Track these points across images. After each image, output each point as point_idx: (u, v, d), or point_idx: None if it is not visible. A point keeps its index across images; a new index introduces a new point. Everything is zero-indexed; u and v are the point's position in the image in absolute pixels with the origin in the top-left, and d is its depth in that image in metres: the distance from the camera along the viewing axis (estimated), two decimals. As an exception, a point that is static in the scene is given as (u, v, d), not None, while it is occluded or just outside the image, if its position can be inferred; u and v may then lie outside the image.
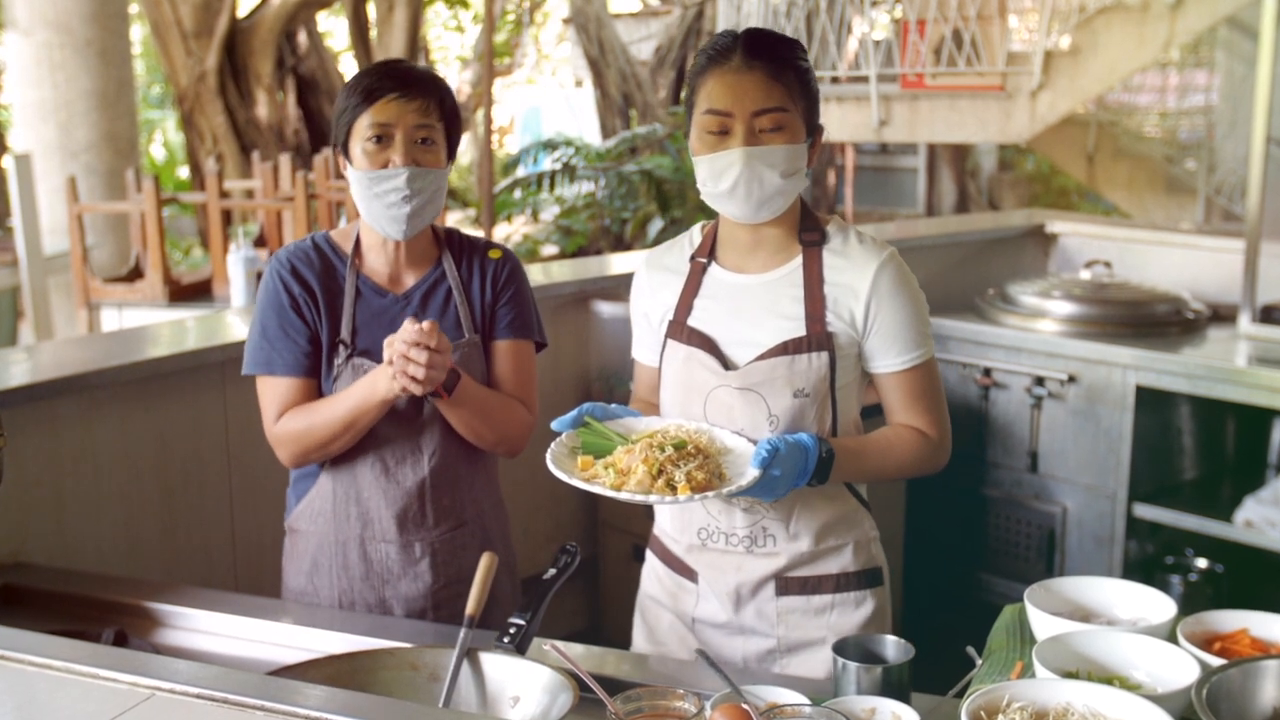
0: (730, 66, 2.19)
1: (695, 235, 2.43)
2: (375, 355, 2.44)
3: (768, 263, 2.32)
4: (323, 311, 2.49)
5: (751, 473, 2.08)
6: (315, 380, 2.49)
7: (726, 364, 2.28)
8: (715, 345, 2.30)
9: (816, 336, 2.24)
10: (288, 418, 2.47)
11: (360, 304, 2.50)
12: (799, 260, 2.30)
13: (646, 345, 2.47)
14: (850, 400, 2.32)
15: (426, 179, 2.41)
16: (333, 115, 2.47)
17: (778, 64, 2.19)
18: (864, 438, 2.32)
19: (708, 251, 2.38)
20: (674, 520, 2.43)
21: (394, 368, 2.29)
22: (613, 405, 2.27)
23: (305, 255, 2.52)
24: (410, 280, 2.54)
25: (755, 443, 2.14)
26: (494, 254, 2.59)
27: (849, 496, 2.37)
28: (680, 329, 2.34)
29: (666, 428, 2.21)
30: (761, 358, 2.25)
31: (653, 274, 2.44)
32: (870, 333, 2.27)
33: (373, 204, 2.42)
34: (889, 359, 2.29)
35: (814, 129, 2.26)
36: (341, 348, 2.47)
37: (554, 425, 2.22)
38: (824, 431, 2.27)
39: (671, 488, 2.04)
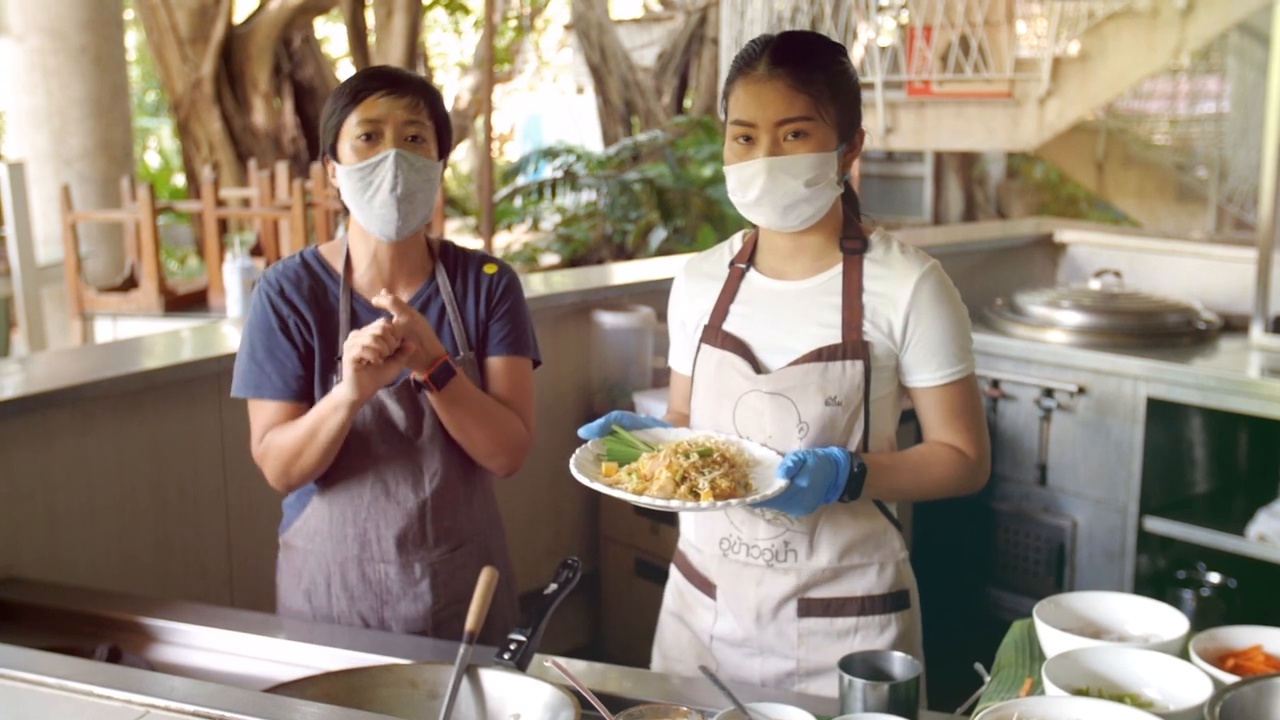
0: (755, 75, 2.17)
1: (736, 242, 2.41)
2: None
3: (807, 270, 2.29)
4: (315, 332, 2.44)
5: (778, 483, 2.04)
6: (305, 403, 2.45)
7: (759, 368, 2.25)
8: (749, 349, 2.27)
9: (852, 345, 2.21)
10: (268, 437, 2.44)
11: (355, 323, 2.45)
12: (839, 268, 2.27)
13: (682, 353, 2.43)
14: (884, 415, 2.28)
15: (416, 165, 2.35)
16: (321, 123, 2.43)
17: (804, 71, 2.16)
18: (898, 454, 2.28)
19: (747, 258, 2.35)
20: (697, 529, 2.39)
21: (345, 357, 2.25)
22: (642, 415, 2.25)
23: (294, 275, 2.47)
24: (403, 295, 2.48)
25: (784, 455, 2.09)
26: (489, 268, 2.54)
27: (878, 514, 2.32)
28: (715, 333, 2.31)
29: (695, 437, 2.17)
30: (795, 363, 2.22)
31: (691, 281, 2.41)
32: (909, 345, 2.24)
33: (361, 199, 2.36)
34: (927, 373, 2.26)
35: (849, 134, 2.23)
36: (340, 365, 2.42)
37: (581, 432, 2.19)
38: (855, 444, 2.23)
39: (695, 495, 2.00)
